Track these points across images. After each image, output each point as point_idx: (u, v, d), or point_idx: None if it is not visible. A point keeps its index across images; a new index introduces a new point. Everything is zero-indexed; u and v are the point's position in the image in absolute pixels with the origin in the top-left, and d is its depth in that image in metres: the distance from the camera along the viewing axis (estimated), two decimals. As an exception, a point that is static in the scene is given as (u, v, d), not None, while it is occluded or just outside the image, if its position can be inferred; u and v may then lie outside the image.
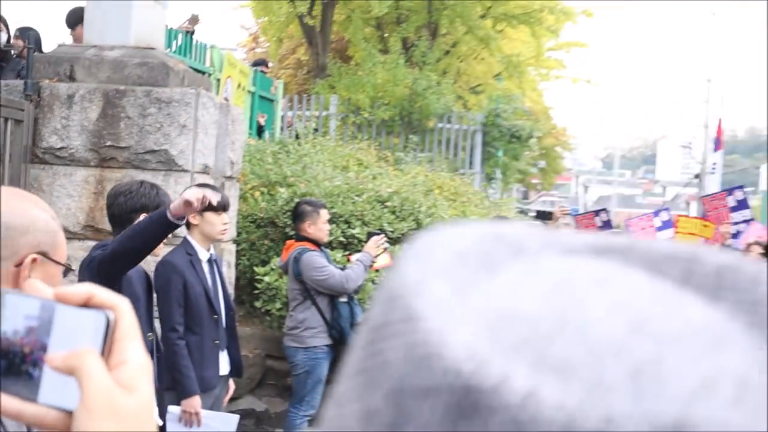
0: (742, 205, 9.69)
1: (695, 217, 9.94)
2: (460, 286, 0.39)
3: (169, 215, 3.69)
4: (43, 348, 0.76)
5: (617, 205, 57.50)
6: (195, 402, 4.75)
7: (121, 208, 4.13)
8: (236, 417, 5.07)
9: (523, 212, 18.71)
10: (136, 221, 4.11)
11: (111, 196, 4.21)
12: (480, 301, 0.39)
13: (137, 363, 0.77)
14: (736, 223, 9.51)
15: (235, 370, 5.38)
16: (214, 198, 3.93)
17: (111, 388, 0.74)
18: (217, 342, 5.03)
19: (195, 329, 4.87)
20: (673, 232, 9.94)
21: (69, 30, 8.06)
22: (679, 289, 0.40)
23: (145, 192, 4.20)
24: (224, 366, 5.18)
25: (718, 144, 19.53)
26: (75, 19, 8.00)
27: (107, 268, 3.84)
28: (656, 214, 10.28)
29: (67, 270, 1.85)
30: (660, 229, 9.84)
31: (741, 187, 10.96)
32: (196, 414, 4.74)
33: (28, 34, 8.20)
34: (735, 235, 9.67)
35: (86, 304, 0.77)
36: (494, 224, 0.45)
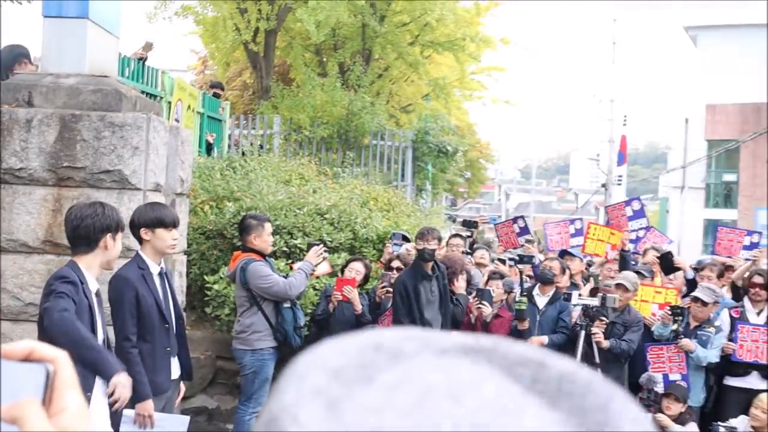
0: (639, 214, 9.94)
1: (605, 226, 10.10)
2: (333, 404, 0.40)
3: (112, 375, 4.01)
4: None
5: (535, 210, 58.25)
6: (148, 405, 4.68)
7: (88, 229, 4.12)
8: (187, 418, 5.01)
9: (451, 218, 18.87)
10: (102, 239, 4.13)
11: (77, 218, 4.15)
12: (350, 417, 0.40)
13: (75, 409, 0.78)
14: (633, 231, 9.74)
15: (186, 374, 5.33)
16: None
17: None
18: (168, 349, 4.97)
19: (147, 338, 4.81)
20: (583, 239, 10.09)
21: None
22: (526, 394, 0.41)
23: (109, 214, 4.22)
24: (175, 370, 5.13)
25: (622, 158, 19.98)
26: (9, 60, 7.79)
27: (43, 334, 3.97)
28: (571, 222, 10.44)
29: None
30: (573, 235, 10.00)
31: (638, 198, 11.20)
32: (150, 416, 4.68)
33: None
34: (634, 241, 9.89)
35: (28, 359, 0.78)
36: (375, 333, 0.45)
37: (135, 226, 4.82)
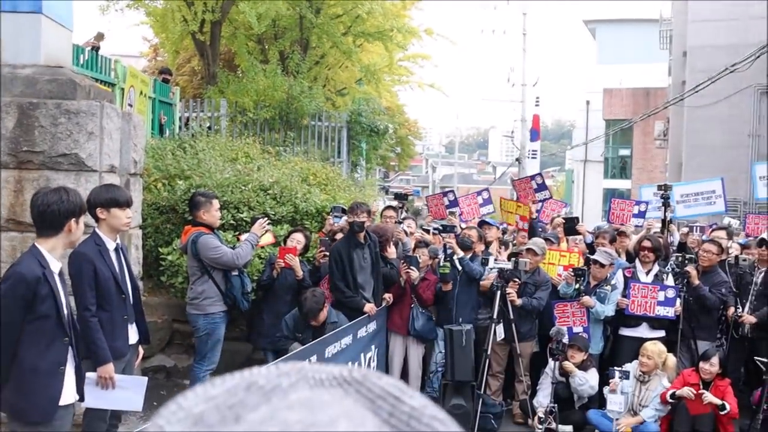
0: (542, 187, 10.06)
1: (513, 200, 10.23)
2: None
3: None
4: None
5: (458, 181, 58.55)
6: (109, 368, 4.62)
7: (54, 215, 4.00)
8: (145, 379, 4.95)
9: (384, 189, 18.91)
10: (66, 223, 4.04)
11: (43, 204, 4.00)
12: None
13: None
14: (540, 201, 9.88)
15: (143, 338, 5.26)
16: None
17: None
18: (126, 317, 4.90)
19: (106, 307, 4.73)
20: (492, 207, 10.19)
21: None
22: (381, 426, 0.40)
23: (73, 199, 4.09)
24: (133, 336, 5.06)
25: (536, 135, 20.03)
26: None
27: None
28: (478, 194, 10.49)
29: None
30: (482, 205, 10.08)
31: (540, 173, 11.38)
32: (111, 378, 4.61)
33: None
34: (538, 211, 10.06)
35: None
36: (252, 372, 0.44)
37: (91, 206, 4.69)
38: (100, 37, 11.19)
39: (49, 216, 4.00)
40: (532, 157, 24.92)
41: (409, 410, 0.41)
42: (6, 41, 6.16)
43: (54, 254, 4.06)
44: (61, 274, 4.13)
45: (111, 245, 4.78)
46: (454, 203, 10.20)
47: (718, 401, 6.94)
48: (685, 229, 10.40)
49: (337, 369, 0.45)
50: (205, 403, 0.41)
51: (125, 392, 4.71)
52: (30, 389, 3.93)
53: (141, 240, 7.51)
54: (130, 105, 9.83)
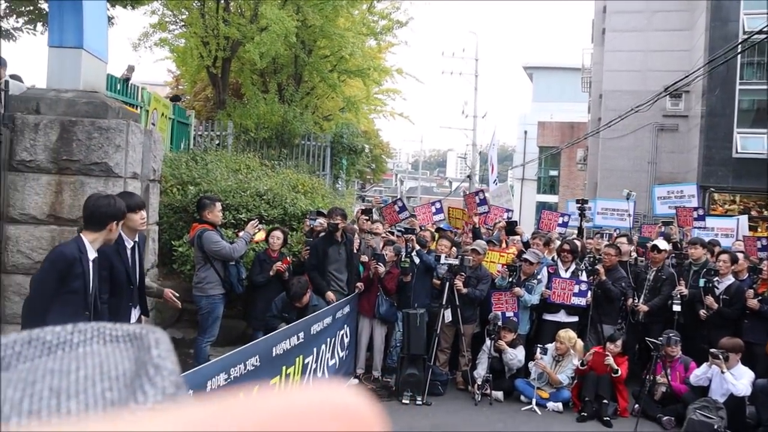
0: (483, 202, 10.00)
1: (461, 209, 10.22)
2: None
3: None
4: None
5: (421, 193, 58.60)
6: None
7: (102, 216, 4.01)
8: None
9: (361, 198, 18.90)
10: (109, 224, 4.03)
11: (94, 206, 4.01)
12: None
13: None
14: (479, 214, 9.82)
15: (143, 313, 5.01)
16: None
17: None
18: (131, 303, 4.74)
19: (117, 295, 4.59)
20: (443, 215, 10.18)
21: None
22: (134, 376, 0.36)
23: (119, 206, 4.10)
24: (134, 318, 4.87)
25: (495, 178, 20.07)
26: None
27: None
28: (432, 204, 10.46)
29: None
30: (435, 213, 10.07)
31: (483, 191, 11.38)
32: None
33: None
34: (485, 221, 10.07)
35: None
36: (42, 330, 0.37)
37: None
38: (131, 69, 11.06)
39: (97, 216, 3.99)
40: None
41: (148, 359, 0.37)
42: (53, 70, 6.10)
43: (93, 245, 4.02)
44: (95, 261, 4.08)
45: (129, 244, 4.65)
46: (403, 209, 10.15)
47: (615, 366, 7.12)
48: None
49: (133, 327, 0.39)
50: None
51: None
52: None
53: (158, 234, 7.46)
54: (153, 124, 9.74)
